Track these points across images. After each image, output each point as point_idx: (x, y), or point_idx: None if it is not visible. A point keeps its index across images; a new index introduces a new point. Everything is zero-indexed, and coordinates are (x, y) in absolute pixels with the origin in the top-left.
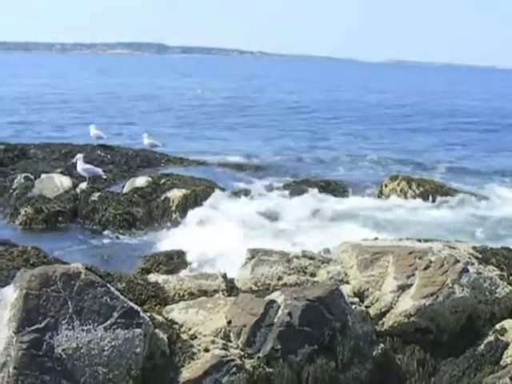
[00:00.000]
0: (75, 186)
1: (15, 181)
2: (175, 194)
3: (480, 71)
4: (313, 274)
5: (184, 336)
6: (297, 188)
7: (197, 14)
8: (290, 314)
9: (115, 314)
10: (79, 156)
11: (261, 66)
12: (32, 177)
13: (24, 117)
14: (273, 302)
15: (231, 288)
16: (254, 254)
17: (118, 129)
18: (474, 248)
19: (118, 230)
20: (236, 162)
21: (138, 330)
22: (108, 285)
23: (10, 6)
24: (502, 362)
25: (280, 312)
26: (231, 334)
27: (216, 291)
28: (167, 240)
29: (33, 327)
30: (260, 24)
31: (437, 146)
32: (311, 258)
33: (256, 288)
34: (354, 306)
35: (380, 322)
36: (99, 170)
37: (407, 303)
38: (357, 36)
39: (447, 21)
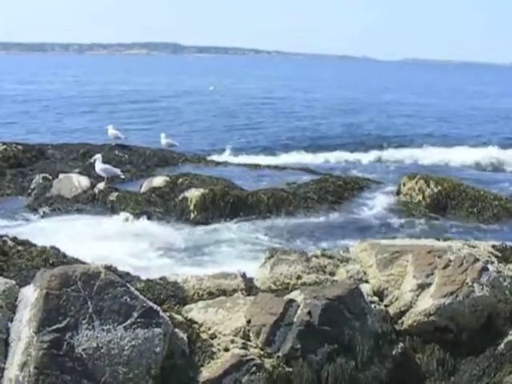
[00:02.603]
0: (93, 185)
1: (33, 181)
2: (193, 194)
3: (498, 69)
4: (332, 273)
5: (203, 335)
6: (314, 188)
7: (212, 13)
8: (309, 313)
9: (135, 314)
10: (97, 156)
11: (276, 65)
12: (50, 177)
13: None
14: (292, 301)
15: (250, 287)
16: (272, 253)
17: (136, 128)
18: (493, 247)
19: None
20: (254, 161)
21: (158, 330)
22: (128, 284)
23: (26, 7)
24: None
25: (299, 311)
26: (251, 334)
27: (235, 290)
28: None
29: (53, 327)
30: (276, 23)
31: None
32: (330, 257)
33: (275, 287)
34: (373, 305)
35: (399, 321)
36: (117, 170)
37: (427, 302)
38: (372, 34)
39: (465, 18)
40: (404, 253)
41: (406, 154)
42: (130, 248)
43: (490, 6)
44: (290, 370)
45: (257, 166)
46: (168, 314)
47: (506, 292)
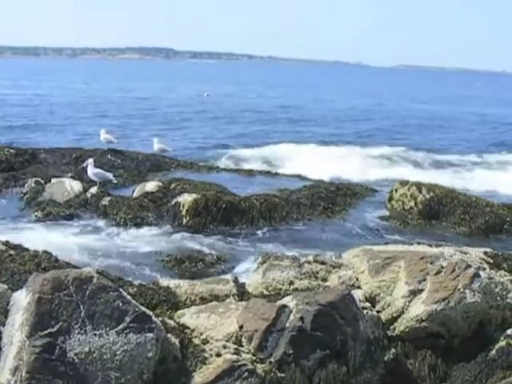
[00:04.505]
0: (86, 190)
1: (26, 185)
2: (186, 199)
3: (490, 76)
4: (324, 279)
5: (196, 340)
6: (307, 194)
7: (206, 19)
8: (301, 318)
9: (127, 319)
10: (90, 160)
11: (269, 70)
12: (42, 181)
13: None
14: (284, 306)
15: (242, 293)
16: (265, 258)
17: (129, 133)
18: (485, 253)
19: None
20: (247, 167)
21: (150, 335)
22: (120, 289)
23: (19, 10)
24: None
25: (292, 317)
26: (243, 339)
27: (227, 296)
28: None
29: (45, 331)
30: (269, 29)
31: None
32: (322, 263)
33: (267, 293)
34: (365, 311)
35: (391, 327)
36: (110, 175)
37: (419, 308)
38: (366, 41)
39: (458, 26)
40: (396, 259)
41: None
42: None
43: (483, 13)
44: (282, 375)
45: (249, 172)
46: (160, 319)
47: (498, 298)
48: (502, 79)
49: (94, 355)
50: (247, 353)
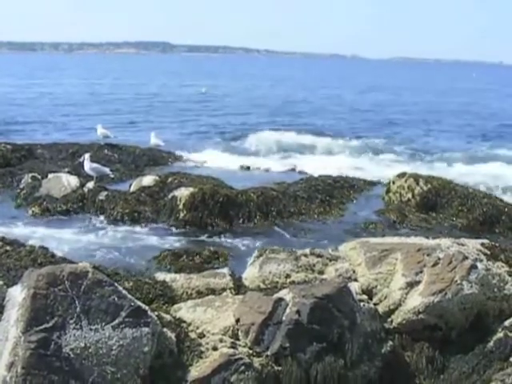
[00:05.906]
0: (82, 185)
1: (22, 181)
2: (182, 193)
3: (486, 67)
4: (321, 272)
5: (192, 335)
6: (304, 187)
7: (202, 12)
8: (298, 311)
9: (123, 313)
10: (86, 155)
11: (265, 64)
12: (39, 176)
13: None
14: (281, 299)
15: (239, 286)
16: (261, 251)
17: (125, 127)
18: (482, 244)
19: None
20: (242, 161)
21: (146, 329)
22: (115, 284)
23: (15, 6)
24: (511, 359)
25: (288, 310)
26: (239, 333)
27: (224, 289)
28: None
29: (40, 327)
30: (265, 22)
31: None
32: (319, 256)
33: (264, 286)
34: (362, 304)
35: (389, 320)
36: (106, 169)
37: (416, 300)
38: (362, 33)
39: (456, 17)
40: (393, 251)
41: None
42: None
43: (480, 5)
44: (279, 368)
45: (246, 165)
46: (156, 313)
47: (495, 290)
48: (500, 71)
49: (90, 350)
50: (244, 346)
